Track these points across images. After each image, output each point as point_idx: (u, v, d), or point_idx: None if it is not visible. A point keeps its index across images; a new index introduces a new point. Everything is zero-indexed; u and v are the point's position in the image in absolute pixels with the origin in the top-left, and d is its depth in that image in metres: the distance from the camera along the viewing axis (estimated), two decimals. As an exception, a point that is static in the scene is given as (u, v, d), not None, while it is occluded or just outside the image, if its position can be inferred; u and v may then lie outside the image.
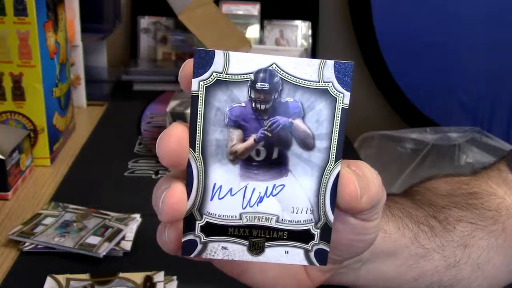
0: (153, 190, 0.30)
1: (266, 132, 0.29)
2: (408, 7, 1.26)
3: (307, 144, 0.29)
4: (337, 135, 0.29)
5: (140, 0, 1.24)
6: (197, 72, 0.27)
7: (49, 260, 0.55)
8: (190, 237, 0.29)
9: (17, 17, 0.70)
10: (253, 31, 1.23)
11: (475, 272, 0.47)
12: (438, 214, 0.47)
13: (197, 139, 0.28)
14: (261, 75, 0.28)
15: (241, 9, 1.23)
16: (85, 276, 0.51)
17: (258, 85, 0.28)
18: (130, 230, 0.59)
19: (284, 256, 0.30)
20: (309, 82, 0.28)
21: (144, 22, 1.22)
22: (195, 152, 0.28)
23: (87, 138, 0.86)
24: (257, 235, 0.30)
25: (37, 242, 0.56)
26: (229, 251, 0.30)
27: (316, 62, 0.28)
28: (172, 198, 0.29)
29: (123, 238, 0.58)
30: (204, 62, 0.27)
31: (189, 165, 0.29)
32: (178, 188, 0.29)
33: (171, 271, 0.52)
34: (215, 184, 0.29)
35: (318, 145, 0.29)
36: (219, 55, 0.27)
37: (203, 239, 0.30)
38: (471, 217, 0.47)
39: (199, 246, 0.30)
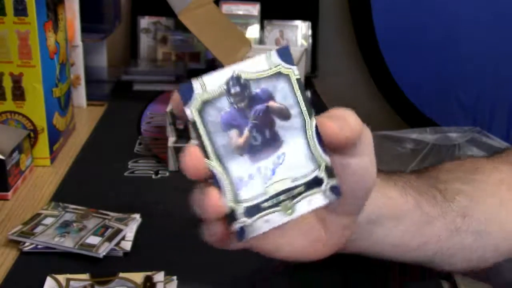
0: (191, 199, 0.37)
1: (253, 121, 0.35)
2: (409, 7, 1.26)
3: (285, 116, 0.36)
4: (302, 99, 0.36)
5: (140, 0, 1.24)
6: (186, 102, 0.34)
7: (49, 260, 0.55)
8: (238, 225, 0.35)
9: (17, 17, 0.70)
10: (253, 31, 1.22)
11: (477, 241, 0.50)
12: (439, 185, 0.50)
13: (209, 151, 0.35)
14: (230, 82, 0.35)
15: (241, 9, 1.23)
16: (85, 276, 0.51)
17: (232, 91, 0.35)
18: (130, 230, 0.59)
19: (310, 205, 0.36)
20: (266, 72, 0.35)
21: (144, 22, 1.22)
22: (212, 161, 0.35)
23: (87, 138, 0.86)
24: (284, 199, 0.36)
25: (37, 242, 0.56)
26: (270, 222, 0.36)
27: (263, 55, 0.35)
28: (213, 199, 0.35)
29: (123, 238, 0.58)
30: (187, 92, 0.34)
31: (212, 172, 0.35)
32: (213, 192, 0.35)
33: (171, 271, 0.52)
34: (237, 177, 0.35)
35: (293, 112, 0.36)
36: (195, 83, 0.34)
37: (248, 222, 0.35)
38: (470, 190, 0.51)
39: (248, 228, 0.35)
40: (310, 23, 1.25)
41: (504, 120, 1.32)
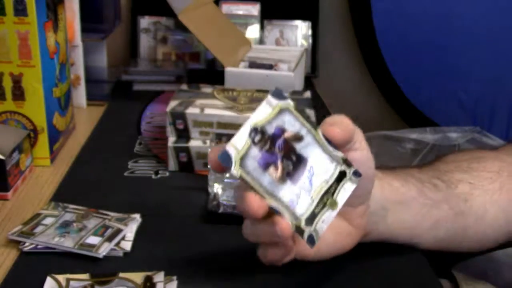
0: (260, 229, 0.45)
1: (280, 154, 0.44)
2: (408, 7, 1.26)
3: (299, 138, 0.45)
4: (304, 121, 0.45)
5: (140, 0, 1.24)
6: (230, 165, 0.42)
7: (49, 260, 0.55)
8: (306, 234, 0.44)
9: (17, 17, 0.70)
10: (253, 31, 1.22)
11: (478, 220, 0.56)
12: (441, 176, 0.57)
13: (261, 192, 0.43)
14: (252, 134, 0.43)
15: (241, 9, 1.23)
16: (85, 276, 0.51)
17: (255, 140, 0.43)
18: (130, 230, 0.59)
19: (345, 192, 0.46)
20: (271, 114, 0.44)
21: (144, 22, 1.22)
22: (267, 199, 0.43)
23: (87, 138, 0.86)
24: (327, 199, 0.45)
25: (37, 242, 0.56)
26: (326, 220, 0.45)
27: (264, 103, 0.44)
28: (284, 226, 0.43)
29: (123, 238, 0.58)
30: (226, 158, 0.42)
31: (271, 206, 0.43)
32: (282, 221, 0.43)
33: (171, 271, 0.52)
34: (288, 201, 0.44)
35: (303, 133, 0.45)
36: (229, 148, 0.42)
37: (312, 228, 0.44)
38: (470, 178, 0.57)
39: (314, 233, 0.44)
40: (310, 23, 1.25)
41: (504, 120, 1.32)
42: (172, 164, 0.75)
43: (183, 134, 0.74)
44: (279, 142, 0.44)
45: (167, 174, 0.75)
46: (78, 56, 0.97)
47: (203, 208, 0.65)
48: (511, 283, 0.71)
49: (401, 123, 1.34)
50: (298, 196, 0.44)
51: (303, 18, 1.24)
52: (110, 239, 0.56)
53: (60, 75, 0.79)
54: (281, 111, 0.44)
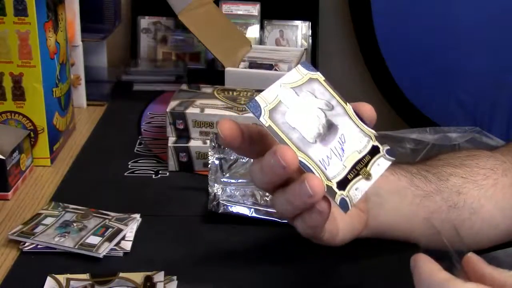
0: (291, 191, 0.42)
1: None
2: (409, 7, 1.26)
3: (330, 107, 0.45)
4: (334, 93, 0.46)
5: (140, 0, 1.24)
6: (258, 115, 0.42)
7: (49, 260, 0.55)
8: (340, 197, 0.42)
9: (17, 17, 0.70)
10: (253, 31, 1.22)
11: (473, 215, 0.55)
12: (431, 169, 0.56)
13: (291, 146, 0.41)
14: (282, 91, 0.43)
15: (241, 9, 1.23)
16: (85, 276, 0.51)
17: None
18: (130, 230, 0.59)
19: (380, 167, 0.45)
20: (300, 80, 0.45)
21: (144, 22, 1.22)
22: (297, 153, 0.41)
23: (87, 138, 0.86)
24: (360, 168, 0.44)
25: (37, 242, 0.56)
26: (359, 189, 0.43)
27: (294, 70, 0.45)
28: (315, 183, 0.41)
29: (123, 238, 0.58)
30: (257, 107, 0.42)
31: (301, 162, 0.41)
32: (313, 176, 0.41)
33: (171, 271, 0.52)
34: (319, 161, 0.42)
35: (333, 103, 0.45)
36: (259, 99, 0.42)
37: (345, 193, 0.42)
38: (462, 173, 0.56)
39: (347, 199, 0.42)
40: (310, 23, 1.25)
41: (504, 120, 1.32)
42: (172, 164, 0.75)
43: (183, 134, 0.75)
44: None
45: (167, 174, 0.75)
46: (78, 56, 0.97)
47: (203, 208, 0.65)
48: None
49: (401, 123, 1.34)
50: (329, 158, 0.43)
51: (303, 18, 1.24)
52: (110, 239, 0.56)
53: (60, 75, 0.79)
54: (310, 80, 0.45)
